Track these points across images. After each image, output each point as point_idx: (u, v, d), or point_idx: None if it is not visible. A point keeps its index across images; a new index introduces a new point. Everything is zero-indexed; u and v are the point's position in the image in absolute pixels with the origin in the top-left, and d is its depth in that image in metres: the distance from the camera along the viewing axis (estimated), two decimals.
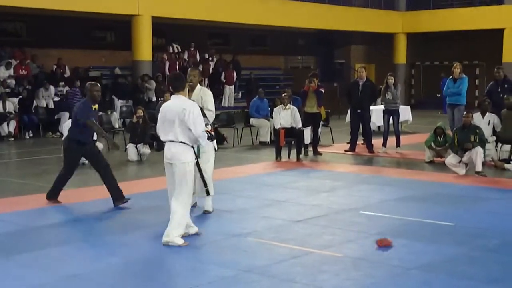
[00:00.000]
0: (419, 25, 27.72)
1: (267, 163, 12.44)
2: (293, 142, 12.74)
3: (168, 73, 19.74)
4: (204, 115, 7.69)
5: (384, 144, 13.72)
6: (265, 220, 7.61)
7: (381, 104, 14.64)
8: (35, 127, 17.45)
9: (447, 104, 13.45)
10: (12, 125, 16.68)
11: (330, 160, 12.85)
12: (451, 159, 10.95)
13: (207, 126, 7.89)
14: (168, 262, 6.11)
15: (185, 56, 22.65)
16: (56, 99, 18.36)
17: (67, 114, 16.95)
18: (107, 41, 23.67)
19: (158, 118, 6.72)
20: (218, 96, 20.88)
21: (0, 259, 6.10)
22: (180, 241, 6.44)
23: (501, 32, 25.68)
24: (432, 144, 12.24)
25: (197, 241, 6.69)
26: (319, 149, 13.60)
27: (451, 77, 13.24)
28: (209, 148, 7.79)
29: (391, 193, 9.29)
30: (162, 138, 6.69)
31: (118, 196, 8.33)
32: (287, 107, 12.78)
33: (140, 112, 13.14)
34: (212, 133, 7.86)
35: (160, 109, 6.75)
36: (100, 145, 12.40)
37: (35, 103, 17.74)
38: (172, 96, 6.74)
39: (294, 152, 12.65)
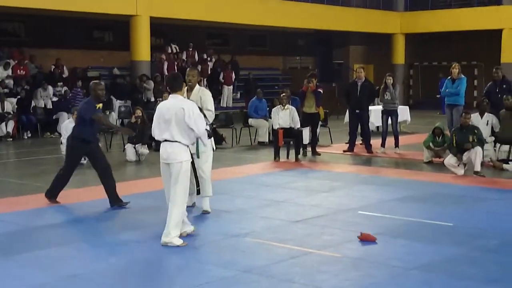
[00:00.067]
0: (417, 25, 27.74)
1: (266, 163, 12.44)
2: (291, 142, 12.74)
3: (166, 74, 19.74)
4: (204, 115, 7.70)
5: (383, 145, 13.73)
6: (263, 221, 7.61)
7: (380, 104, 14.65)
8: (33, 127, 17.45)
9: (445, 104, 13.47)
10: (10, 125, 16.67)
11: (329, 161, 12.85)
12: (450, 159, 10.96)
13: (207, 127, 7.91)
14: (167, 262, 6.11)
15: (184, 57, 22.65)
16: (55, 99, 18.35)
17: (65, 115, 16.96)
18: (106, 41, 23.66)
19: (154, 117, 6.69)
20: (216, 97, 20.87)
21: (0, 259, 6.10)
22: (179, 242, 6.44)
23: (499, 33, 25.70)
24: (431, 144, 12.25)
25: (196, 241, 6.69)
26: (318, 150, 13.61)
27: (449, 77, 13.25)
28: (207, 148, 7.79)
29: (390, 193, 9.30)
30: (157, 137, 6.67)
31: (115, 198, 8.33)
32: (285, 107, 12.78)
33: (139, 112, 13.13)
34: (208, 128, 7.87)
35: (156, 108, 6.72)
36: None
37: (33, 103, 17.74)
38: (170, 95, 6.72)
39: (292, 152, 12.65)
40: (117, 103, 19.28)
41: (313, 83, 13.20)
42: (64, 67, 19.93)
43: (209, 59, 23.55)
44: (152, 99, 19.54)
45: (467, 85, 13.36)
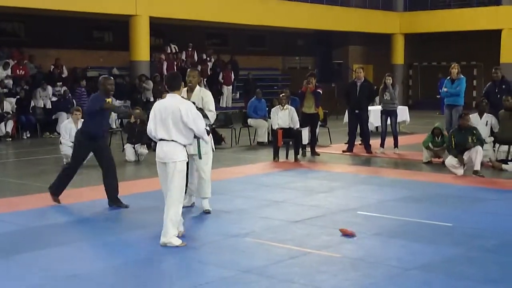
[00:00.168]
0: (417, 25, 27.76)
1: (265, 163, 12.45)
2: (291, 142, 12.75)
3: (165, 74, 19.72)
4: (205, 116, 7.73)
5: (382, 145, 13.73)
6: (263, 221, 7.62)
7: (379, 104, 14.66)
8: (33, 127, 17.46)
9: (445, 104, 13.46)
10: (10, 125, 16.68)
11: (328, 161, 12.86)
12: (451, 160, 10.94)
13: (207, 127, 7.91)
14: (166, 262, 6.12)
15: (183, 57, 22.65)
16: (54, 99, 18.35)
17: (64, 115, 16.96)
18: (105, 41, 23.67)
19: (150, 116, 6.65)
20: (216, 97, 20.88)
21: (0, 259, 6.10)
22: (178, 242, 6.44)
23: (498, 33, 25.72)
24: (430, 144, 12.25)
25: (195, 242, 6.69)
26: (317, 150, 13.61)
27: (448, 77, 13.25)
28: (208, 149, 7.81)
29: (389, 193, 9.30)
30: (153, 136, 6.64)
31: (114, 198, 8.32)
32: (285, 107, 12.79)
33: (138, 112, 13.12)
34: (208, 128, 7.88)
35: (153, 107, 6.69)
36: None
37: (32, 103, 17.75)
38: (168, 95, 6.70)
39: (292, 152, 12.66)
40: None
41: (312, 83, 13.20)
42: (64, 67, 19.93)
43: (208, 59, 23.56)
44: (152, 99, 19.53)
45: (466, 86, 13.38)
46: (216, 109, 8.23)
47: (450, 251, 6.33)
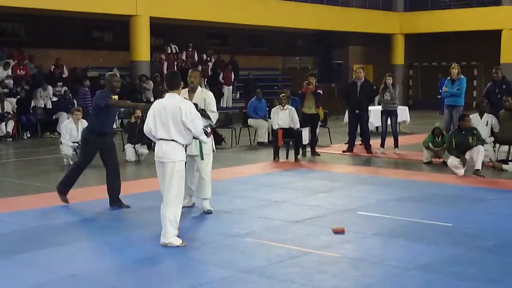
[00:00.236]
0: (417, 26, 27.76)
1: (265, 163, 12.45)
2: (291, 142, 12.75)
3: (165, 73, 19.72)
4: (207, 117, 7.74)
5: (382, 145, 13.74)
6: (263, 221, 7.62)
7: (379, 104, 14.66)
8: (33, 128, 17.46)
9: (445, 105, 13.43)
10: (10, 125, 16.69)
11: (328, 161, 12.86)
12: (453, 160, 10.91)
13: (208, 128, 7.92)
14: (166, 262, 6.12)
15: (183, 57, 22.67)
16: (54, 99, 18.36)
17: (65, 115, 16.97)
18: (105, 41, 23.68)
19: (149, 115, 6.63)
20: (217, 97, 20.88)
21: (0, 259, 6.10)
22: (178, 242, 6.44)
23: (499, 33, 25.73)
24: (430, 144, 12.26)
25: (195, 242, 6.70)
26: (317, 150, 13.62)
27: (449, 77, 13.24)
28: (209, 150, 7.83)
29: (389, 193, 9.30)
30: (152, 136, 6.63)
31: (115, 199, 8.31)
32: (285, 107, 12.79)
33: (138, 113, 13.12)
34: (209, 129, 7.89)
35: (152, 106, 6.67)
36: None
37: (33, 103, 17.75)
38: (167, 94, 6.69)
39: (292, 152, 12.66)
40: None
41: (312, 84, 13.19)
42: (64, 67, 19.94)
43: (208, 59, 23.56)
44: (152, 99, 19.54)
45: (466, 86, 13.36)
46: (217, 109, 8.24)
47: (450, 251, 6.33)
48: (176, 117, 6.43)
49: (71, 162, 12.17)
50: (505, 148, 11.84)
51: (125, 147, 12.98)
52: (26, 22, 20.96)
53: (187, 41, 22.94)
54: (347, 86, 14.67)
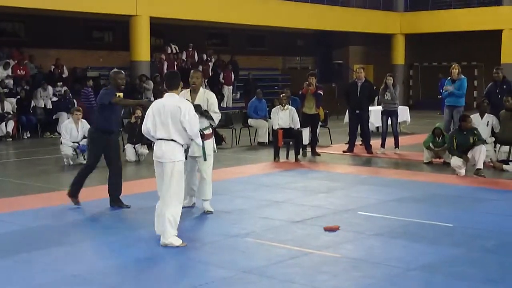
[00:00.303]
0: (417, 26, 27.76)
1: (266, 163, 12.44)
2: (291, 142, 12.74)
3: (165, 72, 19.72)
4: (210, 118, 7.75)
5: (383, 145, 13.72)
6: (263, 221, 7.61)
7: (379, 105, 14.65)
8: (33, 128, 17.46)
9: (445, 105, 13.38)
10: (10, 125, 16.68)
11: (329, 161, 12.85)
12: (456, 160, 10.85)
13: (208, 129, 7.92)
14: (167, 263, 6.11)
15: (183, 57, 22.66)
16: (54, 99, 18.36)
17: (65, 115, 16.97)
18: (105, 41, 23.68)
19: (147, 115, 6.62)
20: (218, 97, 20.88)
21: (1, 259, 6.09)
22: (178, 242, 6.43)
23: (499, 33, 25.72)
24: (431, 144, 12.25)
25: (195, 242, 6.69)
26: (318, 150, 13.61)
27: (449, 78, 13.21)
28: (210, 151, 7.83)
29: (390, 194, 9.30)
30: (151, 136, 6.61)
31: (116, 199, 8.30)
32: (285, 107, 12.78)
33: (139, 113, 13.12)
34: (209, 131, 7.88)
35: (151, 106, 6.67)
36: None
37: (33, 104, 17.75)
38: (166, 94, 6.69)
39: (292, 152, 12.65)
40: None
41: (312, 85, 13.16)
42: (64, 67, 19.95)
43: (209, 59, 23.55)
44: (152, 99, 19.52)
45: (467, 86, 13.33)
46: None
47: (450, 252, 6.33)
48: (176, 116, 6.42)
49: (71, 162, 12.19)
50: (505, 148, 11.82)
51: (125, 147, 12.96)
52: (26, 22, 20.97)
53: (187, 41, 22.94)
54: (348, 86, 14.66)
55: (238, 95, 24.05)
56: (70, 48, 21.11)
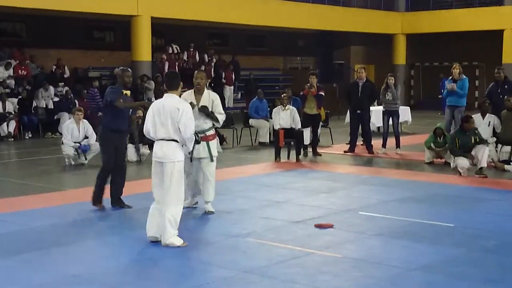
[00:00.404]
0: (418, 26, 27.74)
1: (267, 163, 12.45)
2: (292, 143, 12.74)
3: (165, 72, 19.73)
4: (216, 119, 7.75)
5: (384, 145, 13.72)
6: (264, 221, 7.62)
7: (380, 105, 14.64)
8: (35, 128, 17.46)
9: (446, 105, 13.37)
10: (12, 125, 16.69)
11: (330, 161, 12.85)
12: (464, 161, 10.78)
13: (212, 130, 7.93)
14: (167, 263, 6.11)
15: (185, 57, 22.67)
16: (56, 99, 18.37)
17: (66, 115, 16.98)
18: (106, 41, 23.69)
19: (148, 115, 6.63)
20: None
21: (1, 259, 6.10)
22: (179, 242, 6.44)
23: (501, 33, 25.69)
24: (432, 145, 12.24)
25: (196, 242, 6.70)
26: (319, 150, 13.60)
27: (450, 77, 13.20)
28: (215, 152, 7.85)
29: (391, 194, 9.30)
30: (151, 136, 6.61)
31: (116, 199, 8.29)
32: (286, 107, 12.79)
33: (140, 113, 13.12)
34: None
35: (151, 106, 6.68)
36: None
37: (34, 104, 17.75)
38: (166, 94, 6.69)
39: (293, 153, 12.65)
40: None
41: (314, 86, 13.13)
42: (66, 67, 19.96)
43: (210, 59, 23.55)
44: (153, 99, 19.54)
45: (468, 86, 13.31)
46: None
47: (451, 252, 6.33)
48: (174, 117, 6.43)
49: (73, 162, 12.20)
50: (507, 148, 11.82)
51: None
52: (27, 22, 20.98)
53: (188, 41, 22.94)
54: (349, 86, 14.66)
55: (239, 95, 24.05)
56: (71, 48, 21.12)
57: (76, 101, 17.80)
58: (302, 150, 12.89)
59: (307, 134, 13.37)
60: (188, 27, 23.05)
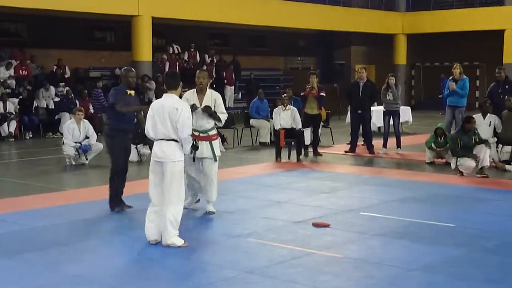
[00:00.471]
0: (419, 26, 27.73)
1: (267, 163, 12.44)
2: (293, 143, 12.74)
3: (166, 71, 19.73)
4: (218, 119, 7.75)
5: (385, 145, 13.72)
6: (265, 221, 7.61)
7: (380, 105, 14.63)
8: (36, 128, 17.46)
9: (447, 105, 13.36)
10: (13, 125, 16.69)
11: (330, 161, 12.85)
12: (470, 161, 10.74)
13: (214, 130, 7.93)
14: (168, 263, 6.11)
15: (185, 57, 22.67)
16: (57, 99, 18.38)
17: (67, 115, 16.97)
18: (107, 41, 23.69)
19: (148, 116, 6.63)
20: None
21: (1, 259, 6.10)
22: (180, 242, 6.44)
23: (501, 33, 25.68)
24: (433, 145, 12.24)
25: (197, 242, 6.69)
26: (319, 150, 13.60)
27: (451, 77, 13.19)
28: (218, 151, 7.86)
29: (392, 194, 9.30)
30: (151, 136, 6.61)
31: (116, 201, 8.27)
32: (287, 108, 12.79)
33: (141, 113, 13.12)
34: (213, 131, 7.88)
35: (151, 106, 6.69)
36: (100, 145, 12.46)
37: (35, 104, 17.76)
38: (165, 94, 6.69)
39: (294, 153, 12.65)
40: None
41: (315, 88, 13.10)
42: (66, 68, 19.97)
43: (211, 59, 23.55)
44: (154, 100, 19.54)
45: (469, 86, 13.30)
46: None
47: (452, 252, 6.33)
48: (172, 117, 6.43)
49: (73, 163, 12.20)
50: (508, 148, 11.82)
51: None
52: (28, 23, 20.98)
53: (189, 41, 22.95)
54: (350, 86, 14.66)
55: (240, 95, 24.05)
56: (72, 48, 21.12)
57: (77, 101, 17.80)
58: (302, 150, 12.88)
59: (307, 134, 13.37)
60: (189, 27, 23.05)
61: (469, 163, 10.74)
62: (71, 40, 21.24)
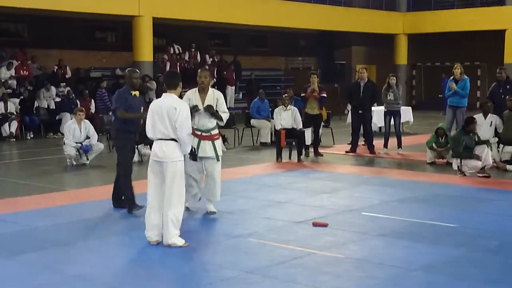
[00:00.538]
0: (420, 26, 27.72)
1: (268, 164, 12.44)
2: (294, 143, 12.74)
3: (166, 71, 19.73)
4: (220, 118, 7.74)
5: (385, 145, 13.72)
6: (266, 221, 7.61)
7: (381, 105, 14.62)
8: (36, 128, 17.47)
9: (447, 105, 13.35)
10: (14, 125, 16.70)
11: (331, 161, 12.84)
12: (475, 162, 10.74)
13: (216, 129, 7.92)
14: (169, 263, 6.10)
15: (186, 57, 22.67)
16: (57, 99, 18.38)
17: (68, 115, 16.97)
18: (108, 42, 23.69)
19: (148, 115, 6.64)
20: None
21: (1, 259, 6.11)
22: (181, 242, 6.44)
23: (502, 33, 25.67)
24: (434, 145, 12.23)
25: (198, 242, 6.69)
26: (320, 150, 13.59)
27: (452, 77, 13.18)
28: (220, 151, 7.86)
29: (393, 194, 9.29)
30: (151, 136, 6.61)
31: (120, 199, 8.28)
32: (287, 108, 12.79)
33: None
34: (215, 131, 7.87)
35: (150, 106, 6.69)
36: (101, 146, 12.47)
37: (36, 104, 17.77)
38: (164, 94, 6.69)
39: (295, 153, 12.65)
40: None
41: (316, 90, 13.07)
42: (67, 68, 19.98)
43: (212, 60, 23.55)
44: (155, 100, 19.52)
45: (470, 86, 13.28)
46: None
47: (452, 252, 6.32)
48: (171, 117, 6.43)
49: (74, 163, 12.20)
50: (509, 148, 11.81)
51: None
52: (29, 23, 20.98)
53: (189, 42, 22.95)
54: (351, 86, 14.66)
55: (241, 95, 24.04)
56: (73, 49, 21.14)
57: (78, 102, 17.80)
58: (303, 150, 12.88)
59: (308, 134, 13.36)
60: (190, 28, 23.05)
61: (475, 163, 10.74)
62: (72, 40, 21.25)
